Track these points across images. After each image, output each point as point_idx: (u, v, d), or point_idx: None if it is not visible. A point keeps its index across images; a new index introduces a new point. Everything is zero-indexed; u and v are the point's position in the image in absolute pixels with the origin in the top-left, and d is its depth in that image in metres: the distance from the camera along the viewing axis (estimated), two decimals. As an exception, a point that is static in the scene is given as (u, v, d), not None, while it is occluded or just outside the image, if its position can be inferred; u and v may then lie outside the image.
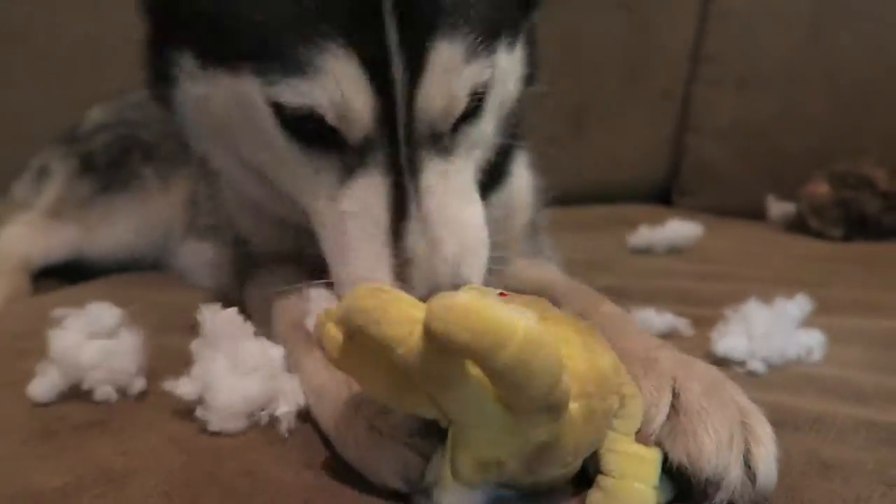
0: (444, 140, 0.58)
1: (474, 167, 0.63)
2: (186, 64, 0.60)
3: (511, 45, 0.63)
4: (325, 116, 0.54)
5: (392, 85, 0.53)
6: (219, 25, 0.56)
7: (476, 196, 0.61)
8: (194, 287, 1.01)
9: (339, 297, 0.54)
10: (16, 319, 0.81)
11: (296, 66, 0.52)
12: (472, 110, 0.59)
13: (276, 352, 0.57)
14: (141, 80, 1.22)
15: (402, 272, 0.54)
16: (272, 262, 0.78)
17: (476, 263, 0.57)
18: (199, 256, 1.05)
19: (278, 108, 0.55)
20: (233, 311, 0.58)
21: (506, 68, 0.63)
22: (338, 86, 0.52)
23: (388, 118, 0.54)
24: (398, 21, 0.52)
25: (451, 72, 0.54)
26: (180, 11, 0.59)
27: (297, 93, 0.53)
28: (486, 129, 0.63)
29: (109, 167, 1.20)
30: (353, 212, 0.56)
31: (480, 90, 0.58)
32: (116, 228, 1.18)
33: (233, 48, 0.56)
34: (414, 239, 0.54)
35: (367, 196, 0.56)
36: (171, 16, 0.61)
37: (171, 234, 1.18)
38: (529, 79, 0.70)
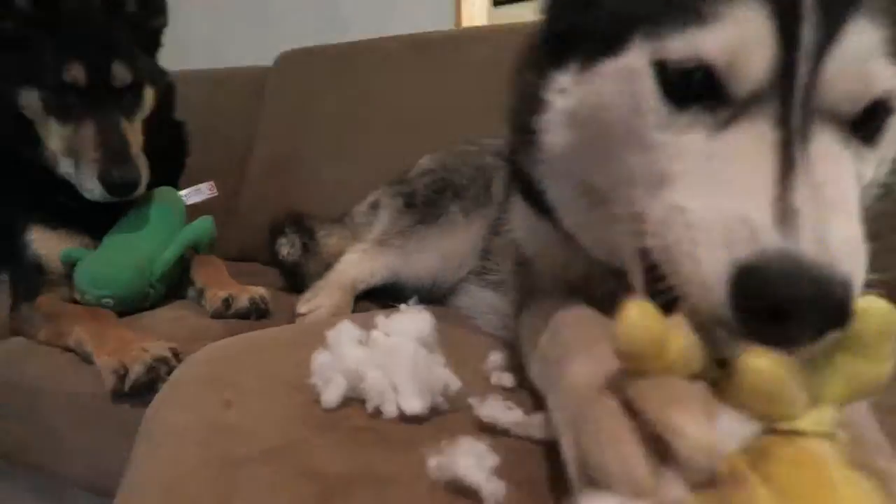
0: (842, 126, 0.51)
1: (864, 194, 0.53)
2: (564, 80, 0.62)
3: None
4: (715, 65, 0.50)
5: (797, 45, 0.49)
6: (615, 13, 0.57)
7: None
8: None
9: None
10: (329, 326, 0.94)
11: (693, 17, 0.51)
12: (883, 119, 0.52)
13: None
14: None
15: (786, 218, 0.44)
16: (557, 290, 0.76)
17: (859, 266, 0.45)
18: (479, 300, 1.13)
19: (661, 68, 0.53)
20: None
21: None
22: (738, 33, 0.50)
23: (784, 78, 0.50)
24: None
25: (869, 55, 0.49)
26: (575, 27, 0.62)
27: (688, 44, 0.51)
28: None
29: (426, 204, 1.41)
30: (731, 151, 0.50)
31: None
32: (427, 255, 1.36)
33: (625, 27, 0.56)
34: (802, 195, 0.45)
35: (749, 140, 0.49)
36: (565, 36, 0.64)
37: (465, 264, 1.32)
38: None
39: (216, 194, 1.59)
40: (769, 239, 0.43)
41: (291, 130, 2.20)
